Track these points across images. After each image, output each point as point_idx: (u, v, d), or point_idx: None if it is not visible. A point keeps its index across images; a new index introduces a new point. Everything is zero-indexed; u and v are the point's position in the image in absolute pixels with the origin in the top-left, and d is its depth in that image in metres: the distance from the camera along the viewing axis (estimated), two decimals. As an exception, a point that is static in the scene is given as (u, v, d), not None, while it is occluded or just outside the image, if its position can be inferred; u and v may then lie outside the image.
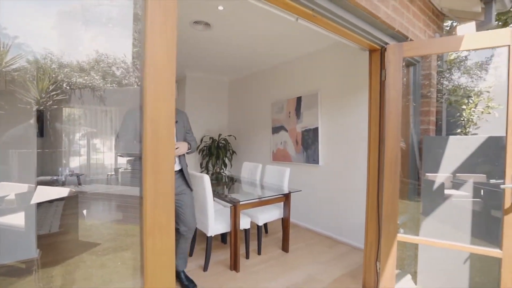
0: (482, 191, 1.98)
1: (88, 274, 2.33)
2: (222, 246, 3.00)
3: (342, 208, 3.23)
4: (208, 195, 2.39)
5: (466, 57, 2.49)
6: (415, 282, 2.30)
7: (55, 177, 2.51)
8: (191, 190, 2.21)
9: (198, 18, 2.74)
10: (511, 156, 1.62)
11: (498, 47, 1.90)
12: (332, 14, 1.51)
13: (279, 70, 4.25)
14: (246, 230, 2.69)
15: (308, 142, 3.69)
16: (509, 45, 1.60)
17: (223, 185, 3.50)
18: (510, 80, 1.62)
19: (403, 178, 2.34)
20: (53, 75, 2.15)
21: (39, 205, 2.10)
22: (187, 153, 2.16)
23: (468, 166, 2.04)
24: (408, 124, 2.42)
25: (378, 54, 2.01)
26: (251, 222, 2.76)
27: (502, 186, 1.63)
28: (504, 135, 1.60)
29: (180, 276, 2.19)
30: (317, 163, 3.54)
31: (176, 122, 2.08)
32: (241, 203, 2.41)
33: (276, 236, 3.34)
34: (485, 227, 1.92)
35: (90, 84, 2.46)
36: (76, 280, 2.19)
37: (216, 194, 2.68)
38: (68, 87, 2.38)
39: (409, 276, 2.34)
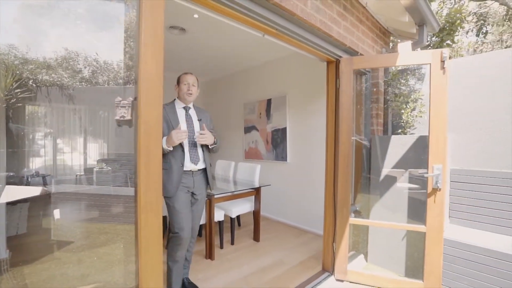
0: (415, 180, 2.42)
1: (65, 269, 2.39)
2: (197, 239, 3.19)
3: (307, 201, 3.59)
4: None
5: (407, 69, 2.95)
6: (366, 260, 2.70)
7: (19, 178, 2.49)
8: (211, 189, 2.14)
9: (175, 23, 2.91)
10: (432, 151, 2.05)
11: (422, 64, 2.35)
12: (293, 33, 1.80)
13: (251, 73, 4.52)
14: (220, 222, 2.92)
15: (277, 141, 4.00)
16: (430, 63, 2.03)
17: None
18: (431, 89, 2.05)
19: (358, 174, 2.73)
20: (17, 72, 2.13)
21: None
22: (211, 149, 2.04)
23: (405, 160, 2.47)
24: (362, 125, 2.82)
25: (334, 65, 2.36)
26: (225, 216, 2.99)
27: (425, 175, 2.06)
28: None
29: (184, 284, 2.14)
30: (286, 160, 3.87)
31: (200, 120, 2.04)
32: (215, 196, 2.63)
33: (248, 228, 3.60)
34: (417, 209, 2.35)
35: (58, 82, 2.46)
36: (54, 276, 2.26)
37: (192, 190, 2.87)
38: (34, 85, 2.37)
39: (361, 256, 2.74)
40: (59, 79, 2.52)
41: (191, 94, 1.97)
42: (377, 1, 2.33)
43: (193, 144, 1.94)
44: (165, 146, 1.77)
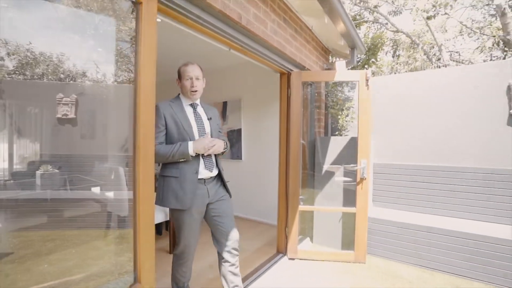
0: (348, 174, 3.01)
1: (11, 280, 2.25)
2: (157, 237, 3.26)
3: (261, 195, 3.98)
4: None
5: (342, 82, 3.58)
6: (312, 242, 3.20)
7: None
8: (230, 196, 1.86)
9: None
10: (360, 149, 2.63)
11: (353, 81, 2.95)
12: (255, 49, 2.12)
13: (209, 76, 4.70)
14: (182, 219, 3.06)
15: (233, 141, 4.30)
16: (358, 80, 2.60)
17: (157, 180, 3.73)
18: (359, 101, 2.62)
19: (305, 170, 3.21)
20: None
21: None
22: (222, 153, 1.80)
23: (341, 157, 3.05)
24: (308, 127, 3.32)
25: (286, 77, 2.77)
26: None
27: (355, 168, 2.63)
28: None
29: None
30: (241, 158, 4.19)
31: (210, 119, 1.78)
32: (179, 193, 2.78)
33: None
34: (349, 196, 2.94)
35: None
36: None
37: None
38: None
39: (308, 239, 3.23)
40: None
41: (196, 91, 1.69)
42: (320, 26, 2.83)
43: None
44: (191, 152, 1.55)
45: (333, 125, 3.50)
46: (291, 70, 2.70)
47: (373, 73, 6.00)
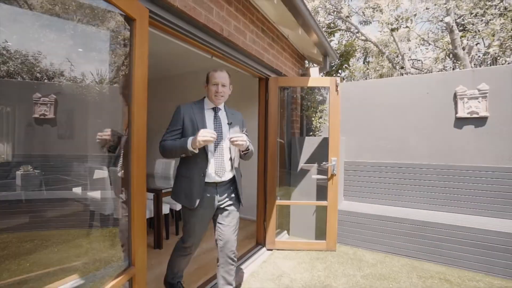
0: (321, 171, 3.30)
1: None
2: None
3: (243, 192, 4.16)
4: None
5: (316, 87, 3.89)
6: (289, 234, 3.46)
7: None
8: (239, 205, 1.85)
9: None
10: (331, 148, 2.92)
11: (324, 86, 3.24)
12: (236, 57, 2.33)
13: (186, 77, 4.82)
14: (165, 215, 3.19)
15: (215, 141, 4.45)
16: (329, 86, 2.89)
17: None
18: (330, 105, 2.91)
19: (283, 168, 3.46)
20: None
21: None
22: (244, 155, 1.80)
23: (314, 155, 3.33)
24: (284, 128, 3.57)
25: (264, 82, 3.00)
26: (170, 210, 3.28)
27: (326, 165, 2.91)
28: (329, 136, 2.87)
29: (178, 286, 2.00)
30: (222, 158, 4.35)
31: (230, 124, 1.77)
32: (163, 191, 2.91)
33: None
34: (322, 191, 3.22)
35: None
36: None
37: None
38: None
39: (285, 232, 3.48)
40: None
41: (221, 97, 1.73)
42: (295, 36, 3.09)
43: (220, 152, 1.69)
44: (189, 147, 1.55)
45: (308, 126, 3.79)
46: (269, 75, 2.93)
47: (346, 77, 6.43)
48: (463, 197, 3.01)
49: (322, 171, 3.27)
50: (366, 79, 6.71)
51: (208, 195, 1.68)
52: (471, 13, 4.30)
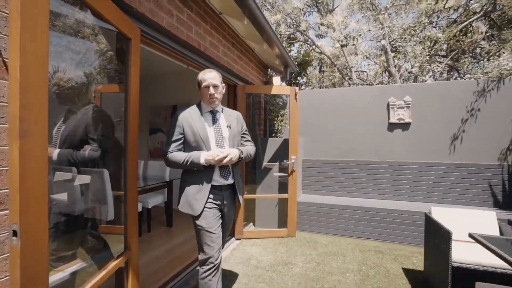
0: (282, 169, 3.75)
1: None
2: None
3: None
4: (107, 187, 2.88)
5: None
6: (255, 225, 3.84)
7: None
8: (235, 205, 1.81)
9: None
10: (291, 148, 3.38)
11: (285, 94, 3.71)
12: (208, 67, 2.63)
13: (159, 79, 4.93)
14: (139, 213, 3.32)
15: (184, 142, 4.64)
16: (289, 94, 3.35)
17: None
18: (290, 110, 3.37)
19: (247, 168, 3.82)
20: None
21: None
22: (239, 161, 1.71)
23: (276, 155, 3.77)
24: (250, 130, 3.95)
25: (232, 88, 3.34)
26: (142, 207, 3.42)
27: (287, 163, 3.37)
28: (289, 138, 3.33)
29: None
30: (191, 158, 4.57)
31: (228, 126, 1.72)
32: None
33: (160, 218, 4.08)
34: (283, 186, 3.68)
35: None
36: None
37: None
38: None
39: (251, 223, 3.85)
40: None
41: (215, 99, 1.68)
42: (260, 49, 3.49)
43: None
44: (203, 162, 1.57)
45: (271, 128, 4.23)
46: (237, 83, 3.28)
47: (304, 84, 7.09)
48: (395, 186, 3.73)
49: (283, 168, 3.73)
50: (321, 86, 7.49)
51: (214, 196, 1.66)
52: (401, 38, 5.23)
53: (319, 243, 3.28)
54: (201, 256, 1.65)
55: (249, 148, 1.81)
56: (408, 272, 2.55)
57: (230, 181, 1.70)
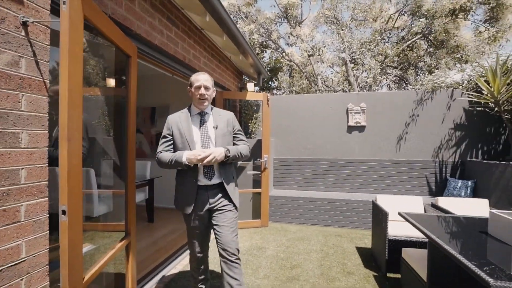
0: (256, 167, 4.16)
1: None
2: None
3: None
4: (93, 184, 3.06)
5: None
6: (231, 219, 4.20)
7: None
8: (235, 207, 1.78)
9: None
10: (263, 148, 3.80)
11: (258, 100, 4.13)
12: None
13: (139, 81, 5.05)
14: (121, 210, 3.51)
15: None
16: (262, 100, 3.77)
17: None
18: (262, 114, 3.79)
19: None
20: None
21: None
22: (227, 160, 1.68)
23: (251, 153, 4.17)
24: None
25: (212, 94, 3.67)
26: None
27: (260, 161, 3.79)
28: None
29: None
30: (170, 158, 4.80)
31: (215, 127, 1.74)
32: (121, 187, 3.27)
33: (141, 215, 4.26)
34: (257, 182, 4.09)
35: None
36: None
37: (94, 185, 3.31)
38: None
39: (228, 217, 4.21)
40: None
41: (205, 100, 1.71)
42: (236, 59, 3.87)
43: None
44: (185, 161, 1.60)
45: (245, 130, 4.62)
46: (216, 90, 3.62)
47: (275, 87, 7.60)
48: (352, 180, 4.34)
49: (256, 166, 4.14)
50: (291, 90, 8.06)
51: (200, 196, 1.71)
52: (359, 51, 5.97)
53: (288, 231, 3.74)
54: (190, 256, 1.91)
55: (240, 148, 1.79)
56: (360, 250, 3.11)
57: (215, 181, 1.71)
